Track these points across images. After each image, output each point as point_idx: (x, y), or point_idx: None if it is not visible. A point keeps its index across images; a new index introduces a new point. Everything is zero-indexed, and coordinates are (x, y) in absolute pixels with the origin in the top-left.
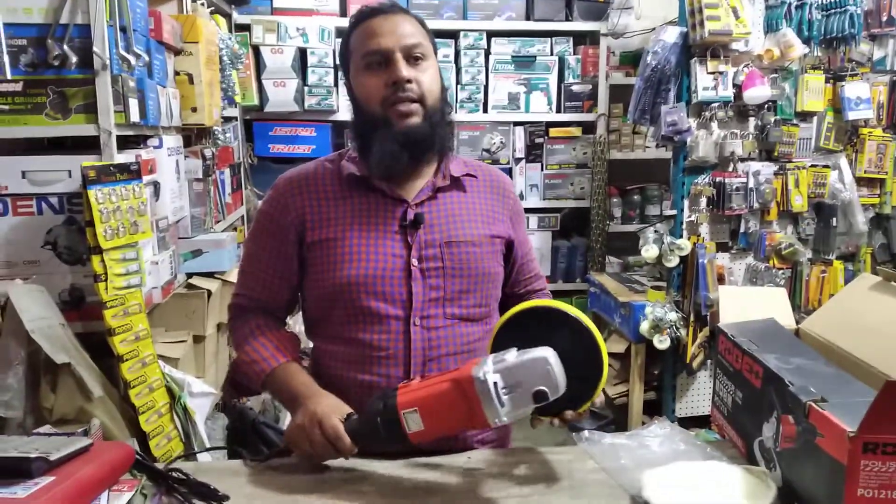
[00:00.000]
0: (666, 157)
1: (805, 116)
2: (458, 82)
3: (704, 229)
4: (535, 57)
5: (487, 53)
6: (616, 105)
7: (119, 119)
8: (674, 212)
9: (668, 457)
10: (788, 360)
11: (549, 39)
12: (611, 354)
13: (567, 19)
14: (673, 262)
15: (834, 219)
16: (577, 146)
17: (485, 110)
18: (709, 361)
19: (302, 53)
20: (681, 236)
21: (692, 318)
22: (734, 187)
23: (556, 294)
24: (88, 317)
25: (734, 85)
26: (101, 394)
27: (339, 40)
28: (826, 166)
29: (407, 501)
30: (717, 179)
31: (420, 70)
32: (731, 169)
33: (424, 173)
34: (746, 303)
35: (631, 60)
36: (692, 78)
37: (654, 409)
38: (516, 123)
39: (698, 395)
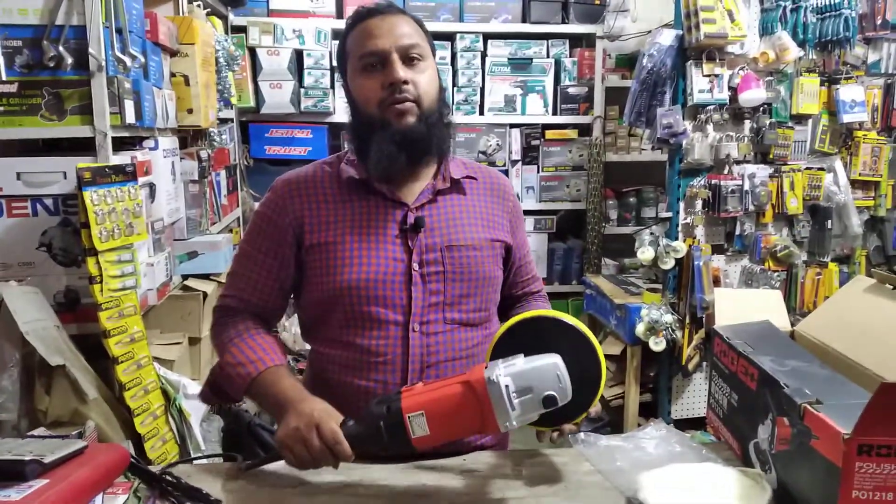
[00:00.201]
0: (662, 159)
1: (800, 119)
2: (454, 84)
3: (700, 231)
4: (531, 59)
5: (484, 56)
6: (612, 107)
7: (114, 120)
8: (669, 214)
9: (664, 459)
10: (783, 362)
11: (545, 42)
12: (607, 356)
13: (563, 22)
14: (668, 264)
15: (829, 221)
16: (574, 148)
17: (481, 112)
18: (704, 363)
19: (298, 55)
20: (676, 238)
21: (688, 321)
22: (729, 190)
23: (552, 296)
24: (83, 319)
25: (730, 87)
26: (95, 396)
27: (336, 42)
28: (821, 169)
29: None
30: (713, 182)
31: (417, 71)
32: (726, 171)
33: (424, 175)
34: (742, 305)
35: (627, 63)
36: (688, 80)
37: (649, 411)
38: (512, 126)
39: (694, 397)
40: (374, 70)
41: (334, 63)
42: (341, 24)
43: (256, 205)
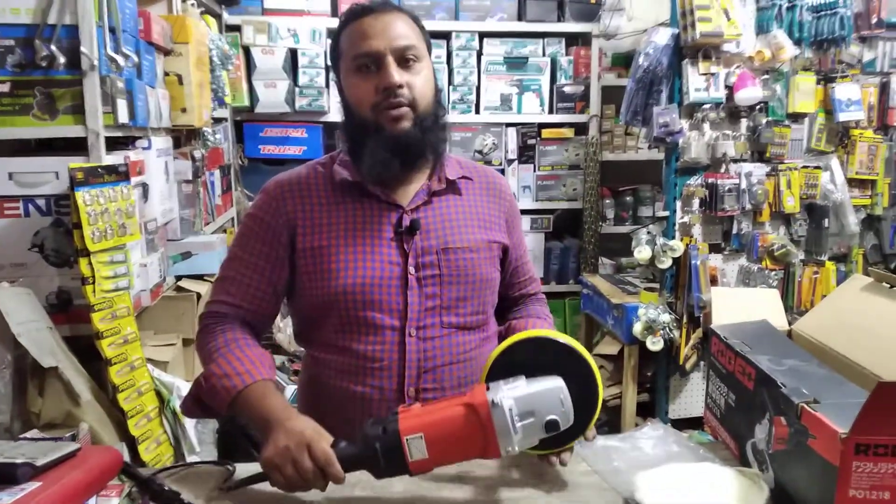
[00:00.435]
0: (658, 158)
1: (796, 118)
2: (450, 83)
3: (697, 230)
4: (527, 58)
5: (479, 54)
6: (608, 106)
7: (107, 120)
8: (666, 213)
9: (661, 458)
10: (781, 361)
11: (541, 40)
12: (604, 356)
13: (559, 20)
14: (665, 263)
15: (826, 220)
16: (570, 147)
17: (477, 111)
18: (702, 363)
19: (293, 54)
20: (673, 237)
21: (685, 320)
22: (726, 188)
23: (549, 296)
24: (76, 320)
25: (726, 86)
26: (89, 398)
27: (330, 40)
28: (818, 167)
29: None
30: (710, 181)
31: (412, 73)
32: (723, 170)
33: (419, 177)
34: (739, 304)
35: (623, 62)
36: (684, 79)
37: (647, 411)
38: (508, 125)
39: (691, 397)
40: (368, 71)
41: (329, 62)
42: (336, 23)
43: (249, 207)
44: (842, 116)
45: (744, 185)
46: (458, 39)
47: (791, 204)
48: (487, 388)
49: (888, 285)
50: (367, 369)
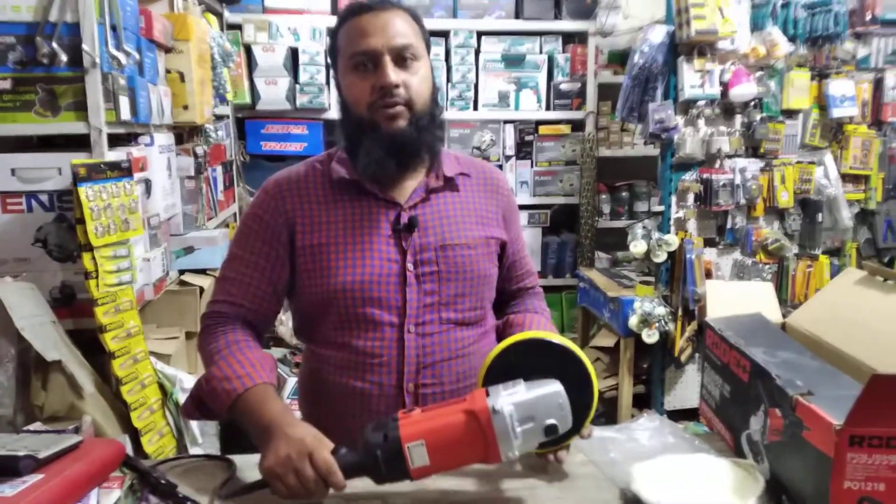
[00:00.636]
0: (653, 154)
1: (791, 114)
2: (448, 80)
3: (692, 225)
4: (524, 56)
5: (477, 52)
6: (604, 103)
7: (109, 117)
8: (661, 208)
9: (657, 450)
10: (775, 353)
11: (538, 38)
12: (600, 349)
13: (556, 18)
14: (661, 257)
15: (819, 214)
16: (567, 144)
17: (475, 108)
18: (697, 355)
19: (293, 52)
20: (668, 232)
21: (680, 313)
22: (721, 184)
23: (547, 290)
24: (79, 314)
25: (720, 83)
26: (92, 391)
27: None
28: (812, 163)
29: (397, 497)
30: (704, 176)
31: (410, 72)
32: (717, 166)
33: (416, 174)
34: (733, 297)
35: (619, 59)
36: (679, 76)
37: (643, 403)
38: (506, 121)
39: (687, 389)
40: (366, 70)
41: (327, 59)
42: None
43: (248, 205)
44: (836, 112)
45: (738, 181)
46: (457, 37)
47: (785, 199)
48: (487, 394)
49: (882, 279)
50: (367, 365)
